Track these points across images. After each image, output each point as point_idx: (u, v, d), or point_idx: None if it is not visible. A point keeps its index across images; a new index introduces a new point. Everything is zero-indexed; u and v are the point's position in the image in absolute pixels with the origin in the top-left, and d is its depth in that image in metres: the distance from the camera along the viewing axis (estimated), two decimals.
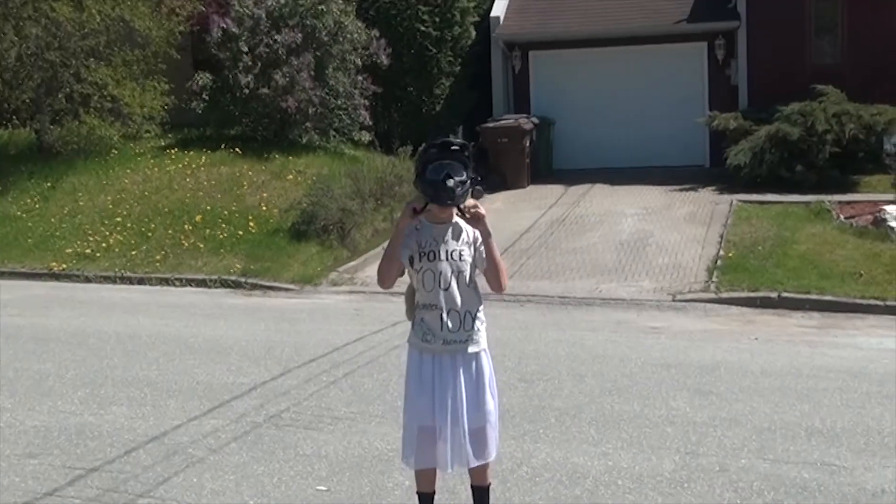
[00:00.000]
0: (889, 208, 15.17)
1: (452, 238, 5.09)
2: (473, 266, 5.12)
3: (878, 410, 7.93)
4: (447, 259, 5.05)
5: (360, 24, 19.62)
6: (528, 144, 20.08)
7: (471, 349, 5.11)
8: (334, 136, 20.26)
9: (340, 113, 19.81)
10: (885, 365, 9.56)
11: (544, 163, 21.22)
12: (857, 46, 20.06)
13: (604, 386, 8.66)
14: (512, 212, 17.79)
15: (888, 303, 12.32)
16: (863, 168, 18.17)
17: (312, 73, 18.88)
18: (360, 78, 19.68)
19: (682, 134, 20.99)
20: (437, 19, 21.21)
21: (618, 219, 16.77)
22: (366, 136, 20.16)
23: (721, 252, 14.45)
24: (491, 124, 20.22)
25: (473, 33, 21.95)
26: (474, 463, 5.13)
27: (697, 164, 20.94)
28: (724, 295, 12.83)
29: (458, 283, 5.07)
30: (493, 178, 19.63)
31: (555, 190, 19.51)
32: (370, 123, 20.01)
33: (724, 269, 13.75)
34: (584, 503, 6.11)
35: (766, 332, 11.25)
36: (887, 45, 19.54)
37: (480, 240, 5.11)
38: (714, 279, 13.38)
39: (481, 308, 5.20)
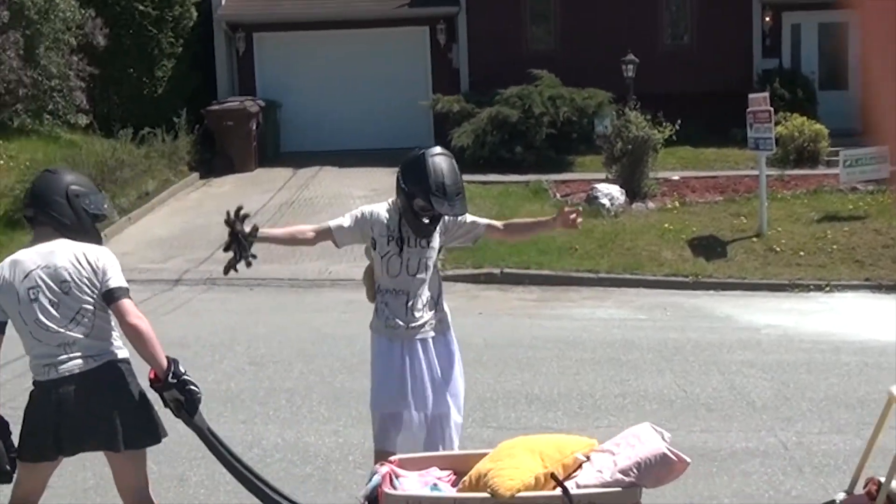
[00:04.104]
0: (600, 186, 16.05)
1: None
2: (439, 252, 5.12)
3: (591, 376, 8.42)
4: (415, 245, 5.00)
5: (73, 1, 18.73)
6: (254, 127, 19.86)
7: (436, 334, 5.08)
8: (48, 120, 19.26)
9: (55, 95, 18.84)
10: (597, 334, 10.16)
11: (272, 146, 21.05)
12: (570, 34, 21.09)
13: (333, 365, 8.73)
14: (240, 196, 17.44)
15: (600, 275, 13.09)
16: (576, 149, 19.17)
17: (21, 52, 17.84)
18: (75, 59, 18.78)
19: (407, 116, 21.32)
20: None
21: (347, 201, 16.84)
22: (83, 119, 19.30)
23: None
24: (216, 107, 19.86)
25: (195, 14, 21.45)
26: (438, 451, 4.98)
27: (422, 146, 21.29)
28: (450, 272, 13.17)
29: (424, 269, 5.03)
30: (220, 162, 19.32)
31: (283, 173, 19.39)
32: (87, 106, 19.15)
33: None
34: (315, 481, 6.16)
35: (490, 307, 11.68)
36: (596, 33, 20.63)
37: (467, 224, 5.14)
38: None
39: (443, 294, 5.19)
